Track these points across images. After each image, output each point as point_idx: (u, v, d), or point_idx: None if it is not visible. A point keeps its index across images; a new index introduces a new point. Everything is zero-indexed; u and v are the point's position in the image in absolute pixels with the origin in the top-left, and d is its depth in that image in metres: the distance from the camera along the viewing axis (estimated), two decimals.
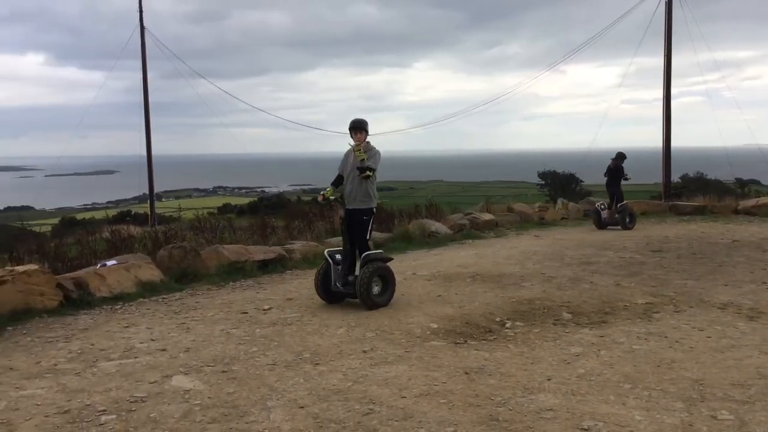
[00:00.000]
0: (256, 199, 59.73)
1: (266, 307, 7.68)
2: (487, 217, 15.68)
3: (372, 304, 7.33)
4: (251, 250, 10.50)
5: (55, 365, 5.60)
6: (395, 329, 6.55)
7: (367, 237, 7.72)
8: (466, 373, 5.21)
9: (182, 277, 9.34)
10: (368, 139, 7.72)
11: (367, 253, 7.59)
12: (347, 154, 7.79)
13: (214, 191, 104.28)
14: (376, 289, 7.44)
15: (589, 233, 14.69)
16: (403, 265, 10.35)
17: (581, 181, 38.26)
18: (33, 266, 7.87)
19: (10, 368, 5.56)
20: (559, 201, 19.17)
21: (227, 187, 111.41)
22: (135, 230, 15.32)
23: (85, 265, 9.14)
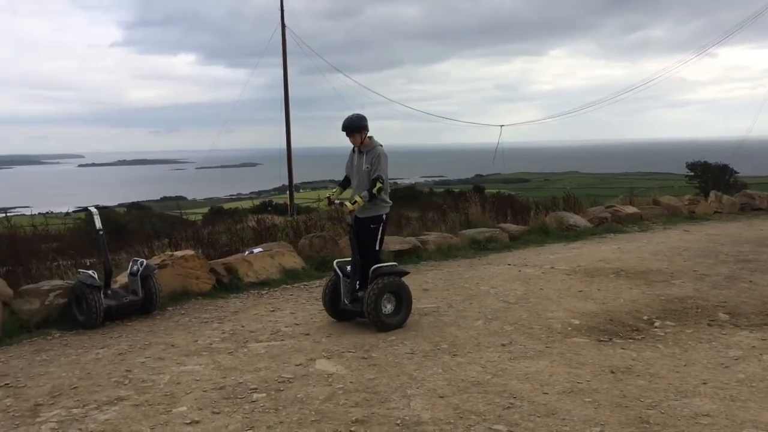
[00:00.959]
0: None
1: None
2: (631, 210, 14.90)
3: (382, 325, 6.23)
4: (386, 240, 10.66)
5: (211, 344, 6.01)
6: (534, 324, 6.40)
7: (377, 247, 6.65)
8: (612, 372, 4.99)
9: (322, 265, 9.67)
10: (371, 135, 6.67)
11: (377, 266, 6.47)
12: (350, 154, 6.78)
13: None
14: (388, 308, 6.36)
15: (746, 228, 13.53)
16: (541, 259, 10.10)
17: (736, 172, 35.40)
18: (189, 252, 8.49)
19: (172, 345, 6.03)
20: (712, 194, 17.82)
21: None
22: (277, 219, 16.08)
23: (234, 252, 9.70)
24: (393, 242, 10.59)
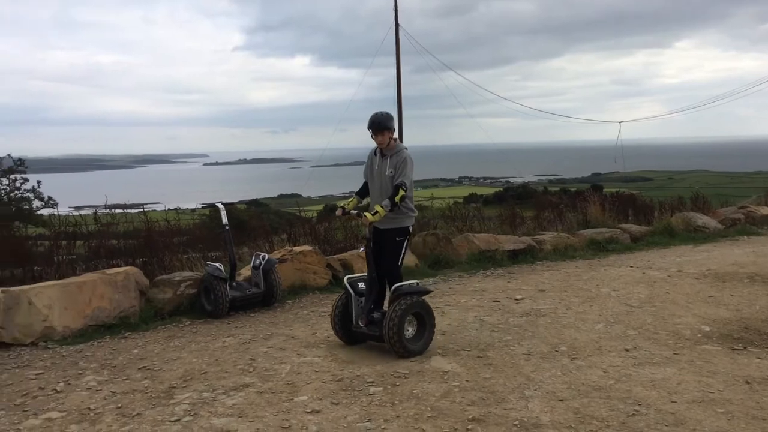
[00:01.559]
0: (501, 189, 59.82)
1: (518, 297, 7.63)
2: (766, 210, 13.85)
3: (404, 351, 5.44)
4: (501, 240, 10.52)
5: (328, 337, 6.17)
6: (660, 329, 6.09)
7: (399, 263, 5.87)
8: (747, 382, 4.65)
9: (435, 263, 9.69)
10: (395, 137, 5.86)
11: (398, 284, 5.69)
12: (371, 157, 5.96)
13: (460, 181, 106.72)
14: (409, 332, 5.56)
15: None
16: (666, 261, 9.60)
17: None
18: (308, 247, 8.77)
19: (292, 336, 6.26)
20: None
21: (472, 177, 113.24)
22: None
23: (348, 248, 9.91)
24: (507, 242, 10.44)
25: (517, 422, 4.08)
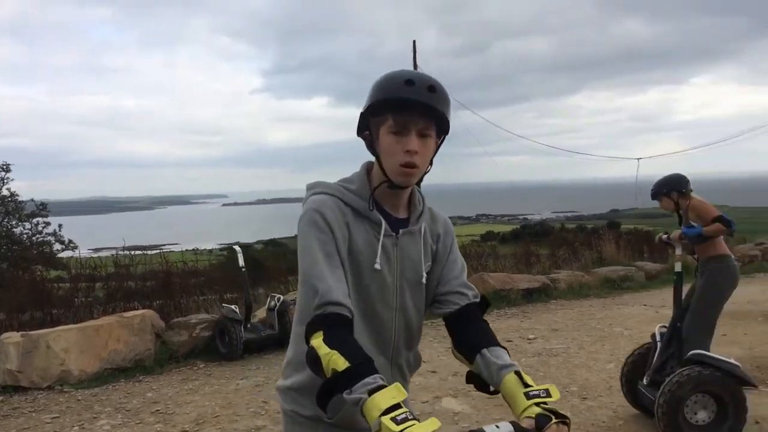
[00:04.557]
0: (518, 226, 59.71)
1: (531, 336, 7.64)
2: None
3: None
4: (515, 279, 10.55)
5: None
6: None
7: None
8: (757, 422, 4.64)
9: None
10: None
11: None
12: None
13: (477, 219, 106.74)
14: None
15: None
16: None
17: None
18: None
19: None
20: None
21: (490, 214, 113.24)
22: None
23: None
24: (521, 281, 10.46)
25: None
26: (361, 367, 1.47)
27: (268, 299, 7.86)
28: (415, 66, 28.19)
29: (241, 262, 7.78)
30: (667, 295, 10.07)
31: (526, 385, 1.61)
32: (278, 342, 7.53)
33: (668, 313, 8.54)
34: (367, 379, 1.44)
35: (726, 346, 6.78)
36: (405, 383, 1.88)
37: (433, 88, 1.68)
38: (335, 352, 1.49)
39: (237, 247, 8.07)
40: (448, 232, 1.99)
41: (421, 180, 1.81)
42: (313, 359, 1.53)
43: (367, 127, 1.77)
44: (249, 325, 7.52)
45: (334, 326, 1.57)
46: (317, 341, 1.53)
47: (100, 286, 9.59)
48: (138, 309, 7.82)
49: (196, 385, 6.28)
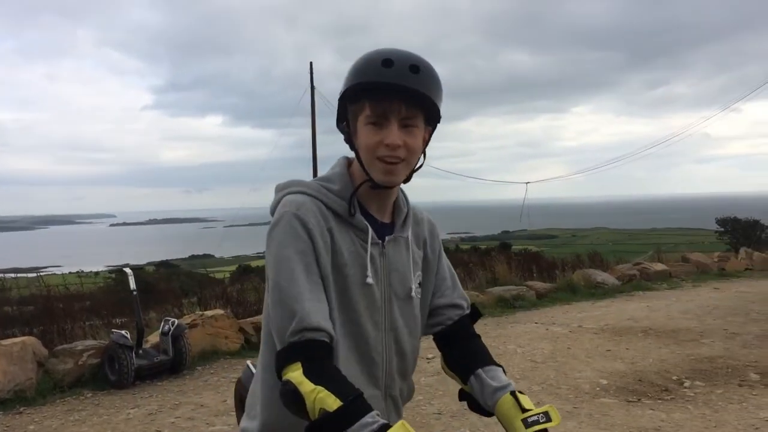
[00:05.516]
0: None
1: (429, 356, 7.76)
2: (659, 267, 14.77)
3: None
4: None
5: None
6: (562, 383, 6.36)
7: None
8: None
9: None
10: None
11: None
12: None
13: None
14: None
15: None
16: (568, 317, 10.03)
17: (767, 227, 34.87)
18: (219, 311, 8.63)
19: (201, 405, 6.11)
20: (742, 250, 17.62)
21: None
22: None
23: (262, 311, 9.83)
24: None
25: None
26: (354, 405, 1.26)
27: (162, 323, 7.56)
28: (312, 89, 28.29)
29: (133, 285, 7.45)
30: (555, 312, 10.58)
31: (524, 409, 1.50)
32: (172, 368, 7.24)
33: (558, 330, 8.99)
34: (366, 419, 1.24)
35: (611, 361, 7.20)
36: (398, 418, 1.64)
37: (416, 68, 1.41)
38: (322, 388, 1.28)
39: (128, 269, 7.73)
40: (434, 235, 1.77)
41: (410, 177, 1.55)
42: (291, 396, 1.31)
43: (345, 116, 1.53)
44: (141, 351, 7.18)
45: (314, 356, 1.34)
46: (295, 374, 1.31)
47: None
48: (17, 336, 7.30)
49: (83, 415, 5.92)
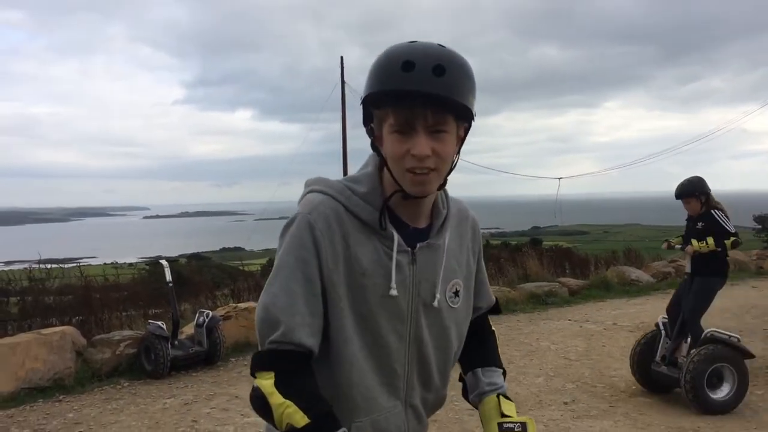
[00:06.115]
0: None
1: None
2: None
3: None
4: None
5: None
6: (597, 382, 6.28)
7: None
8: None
9: None
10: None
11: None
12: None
13: None
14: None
15: None
16: (602, 314, 9.91)
17: None
18: (252, 303, 8.71)
19: (236, 396, 6.17)
20: None
21: None
22: None
23: None
24: None
25: None
26: (322, 423, 1.27)
27: (197, 315, 7.65)
28: (343, 83, 28.31)
29: (168, 276, 7.55)
30: (589, 309, 10.46)
31: (503, 414, 1.50)
32: (206, 359, 7.34)
33: (592, 327, 8.89)
34: None
35: None
36: (421, 428, 1.59)
37: (440, 68, 1.28)
38: (291, 403, 1.27)
39: (164, 261, 7.82)
40: (476, 236, 1.65)
41: (444, 182, 1.43)
42: (259, 402, 1.32)
43: (371, 117, 1.41)
44: (176, 342, 7.29)
45: (288, 368, 1.32)
46: (266, 384, 1.31)
47: (14, 302, 9.08)
48: (57, 325, 7.46)
49: (120, 404, 6.03)
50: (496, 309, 1.75)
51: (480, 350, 1.67)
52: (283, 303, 1.34)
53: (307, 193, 1.46)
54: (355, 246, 1.39)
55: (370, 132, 1.42)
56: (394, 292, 1.39)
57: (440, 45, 1.35)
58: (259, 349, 1.37)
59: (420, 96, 1.27)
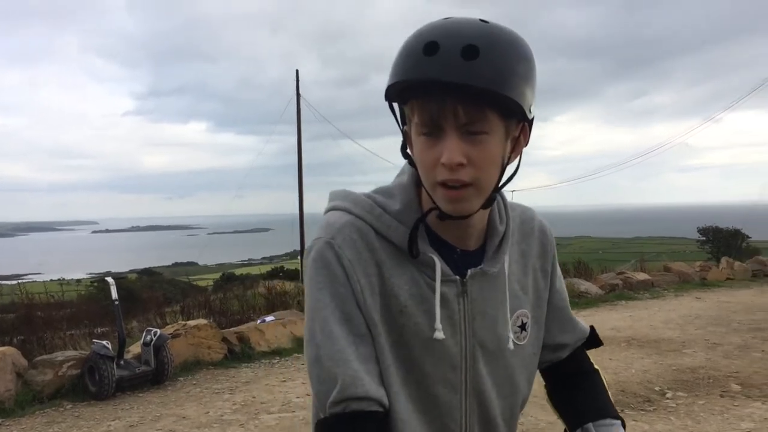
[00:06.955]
0: None
1: None
2: (642, 276, 14.87)
3: None
4: None
5: (222, 416, 6.01)
6: (540, 394, 6.37)
7: None
8: None
9: None
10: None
11: None
12: None
13: None
14: None
15: (759, 296, 13.46)
16: None
17: (748, 237, 35.29)
18: (202, 321, 8.57)
19: (183, 417, 6.05)
20: (723, 260, 17.79)
21: None
22: (288, 286, 16.19)
23: (245, 320, 9.77)
24: None
25: None
26: None
27: (144, 333, 7.48)
28: (298, 96, 28.30)
29: (114, 295, 7.38)
30: None
31: None
32: (154, 379, 7.17)
33: None
34: None
35: None
36: None
37: (472, 50, 0.97)
38: None
39: (110, 279, 7.65)
40: (546, 252, 1.30)
41: (492, 199, 1.11)
42: None
43: (403, 117, 1.13)
44: (122, 362, 7.11)
45: None
46: None
47: None
48: None
49: (62, 427, 5.84)
50: (594, 340, 1.41)
51: (586, 398, 1.34)
52: (331, 351, 1.07)
53: (330, 209, 1.18)
54: (389, 276, 1.11)
55: (405, 135, 1.14)
56: (439, 334, 1.12)
57: (482, 20, 1.03)
58: (321, 414, 1.09)
59: (442, 86, 0.98)
